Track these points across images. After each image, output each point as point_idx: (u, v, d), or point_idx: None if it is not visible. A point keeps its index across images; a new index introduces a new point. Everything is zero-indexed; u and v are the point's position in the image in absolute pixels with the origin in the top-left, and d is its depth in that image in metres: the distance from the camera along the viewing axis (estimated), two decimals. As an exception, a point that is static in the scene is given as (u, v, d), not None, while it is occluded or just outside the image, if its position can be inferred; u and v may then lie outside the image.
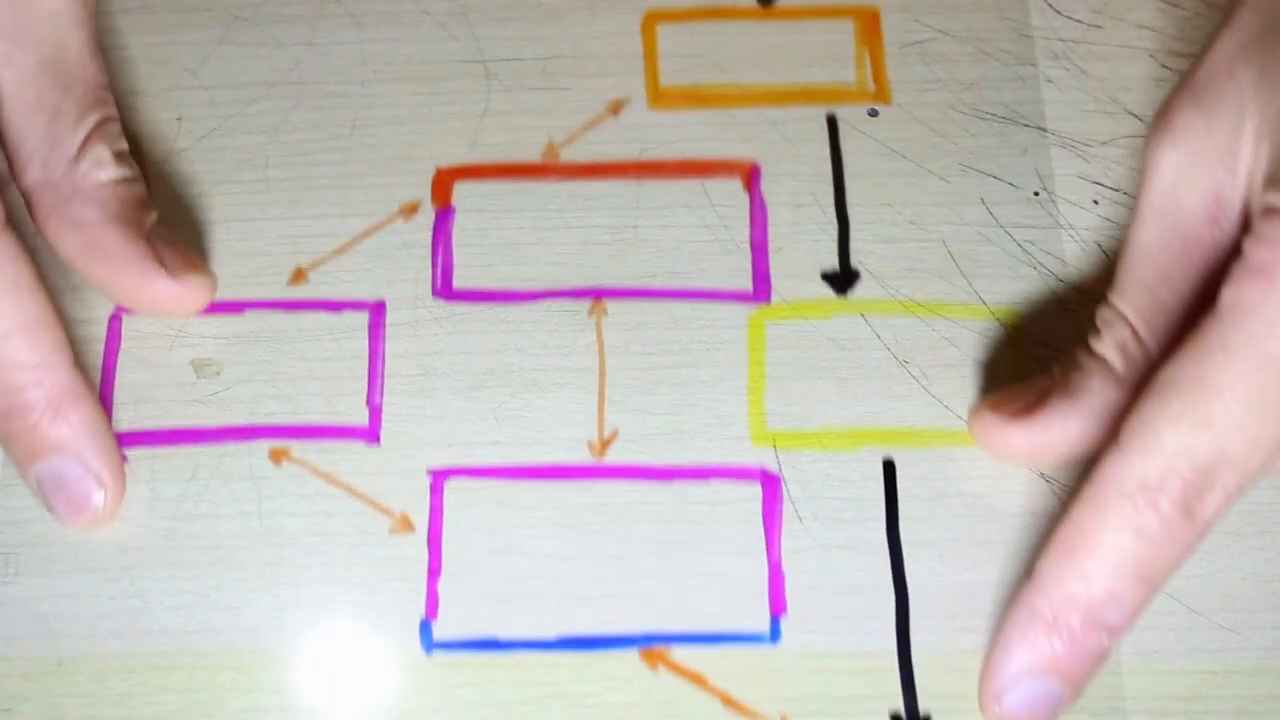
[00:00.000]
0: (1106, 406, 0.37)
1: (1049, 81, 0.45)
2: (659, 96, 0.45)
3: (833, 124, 0.45)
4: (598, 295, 0.42)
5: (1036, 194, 0.44)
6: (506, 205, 0.43)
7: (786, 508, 0.40)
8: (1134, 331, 0.37)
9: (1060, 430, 0.38)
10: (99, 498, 0.39)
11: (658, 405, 0.41)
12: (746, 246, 0.43)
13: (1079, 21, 0.46)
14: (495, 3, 0.47)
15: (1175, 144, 0.37)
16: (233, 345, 0.42)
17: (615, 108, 0.45)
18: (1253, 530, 0.39)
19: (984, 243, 0.43)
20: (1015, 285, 0.42)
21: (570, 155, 0.44)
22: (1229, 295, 0.34)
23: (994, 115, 0.45)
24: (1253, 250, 0.34)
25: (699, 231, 0.43)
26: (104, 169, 0.40)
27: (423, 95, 0.45)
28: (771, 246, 0.43)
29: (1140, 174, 0.38)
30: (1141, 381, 0.36)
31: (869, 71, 0.45)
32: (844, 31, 0.46)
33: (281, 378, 0.41)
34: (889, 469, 0.40)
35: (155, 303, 0.40)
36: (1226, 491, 0.34)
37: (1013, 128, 0.45)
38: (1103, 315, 0.38)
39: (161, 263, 0.40)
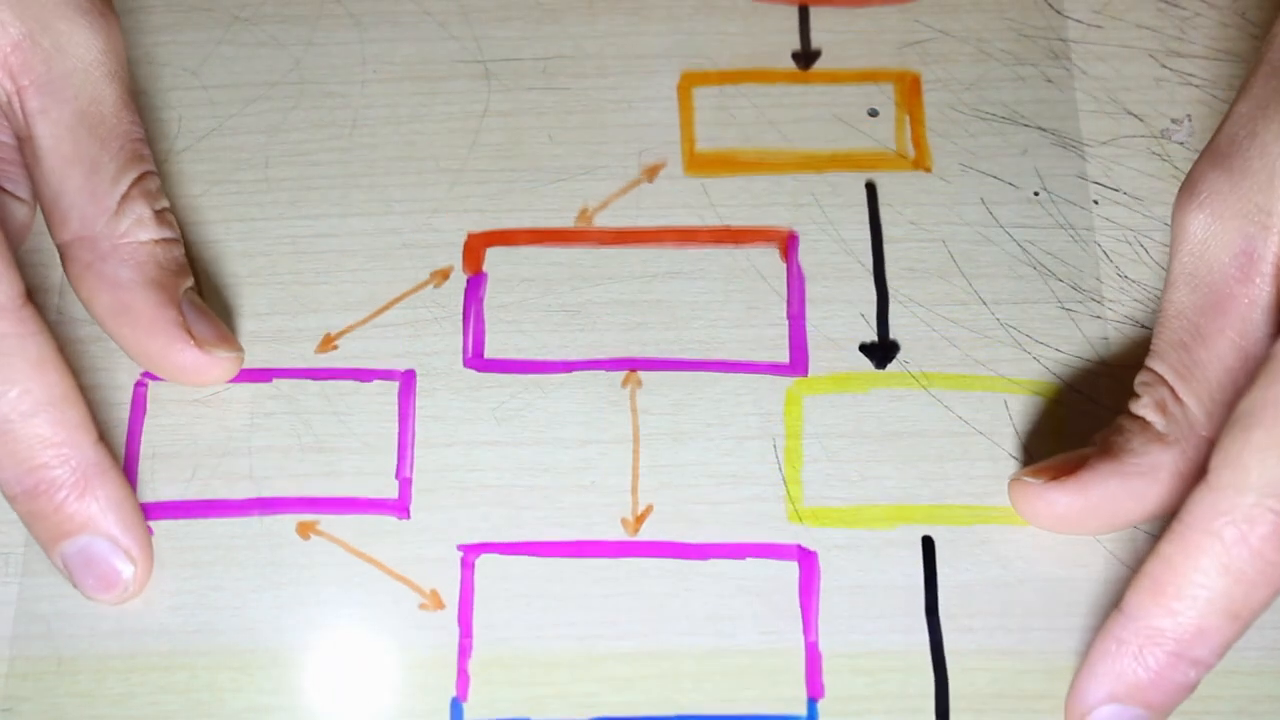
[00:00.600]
0: (1150, 466, 0.37)
1: (1049, 81, 0.45)
2: (695, 161, 0.44)
3: (872, 191, 0.44)
4: (632, 366, 0.41)
5: (1036, 194, 0.44)
6: (539, 272, 0.43)
7: (824, 586, 0.39)
8: (1172, 391, 0.37)
9: (1103, 491, 0.37)
10: (128, 573, 0.38)
11: (693, 481, 0.40)
12: (784, 317, 0.42)
13: (1079, 21, 0.46)
14: (495, 3, 0.47)
15: (1201, 206, 0.37)
16: (260, 415, 0.41)
17: (651, 173, 0.44)
18: (1253, 530, 0.39)
19: (984, 243, 0.43)
20: (1015, 285, 0.42)
21: (604, 221, 0.43)
22: None
23: (994, 115, 0.45)
24: None
25: (735, 301, 0.42)
26: (144, 228, 0.39)
27: (423, 95, 0.45)
28: (809, 317, 0.42)
29: (1170, 242, 0.38)
30: (1184, 440, 0.37)
31: (909, 136, 0.44)
32: (884, 95, 0.45)
33: (310, 449, 0.40)
34: (928, 547, 0.39)
35: (181, 372, 0.40)
36: None
37: (1013, 128, 0.45)
38: (1141, 379, 0.38)
39: (191, 333, 0.39)
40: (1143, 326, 0.42)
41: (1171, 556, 0.34)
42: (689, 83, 0.45)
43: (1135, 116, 0.45)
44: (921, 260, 0.43)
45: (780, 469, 0.40)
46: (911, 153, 0.44)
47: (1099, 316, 0.42)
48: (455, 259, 0.43)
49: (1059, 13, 0.46)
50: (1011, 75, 0.45)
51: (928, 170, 0.44)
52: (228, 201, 0.44)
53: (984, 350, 0.42)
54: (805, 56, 0.46)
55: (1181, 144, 0.44)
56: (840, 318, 0.42)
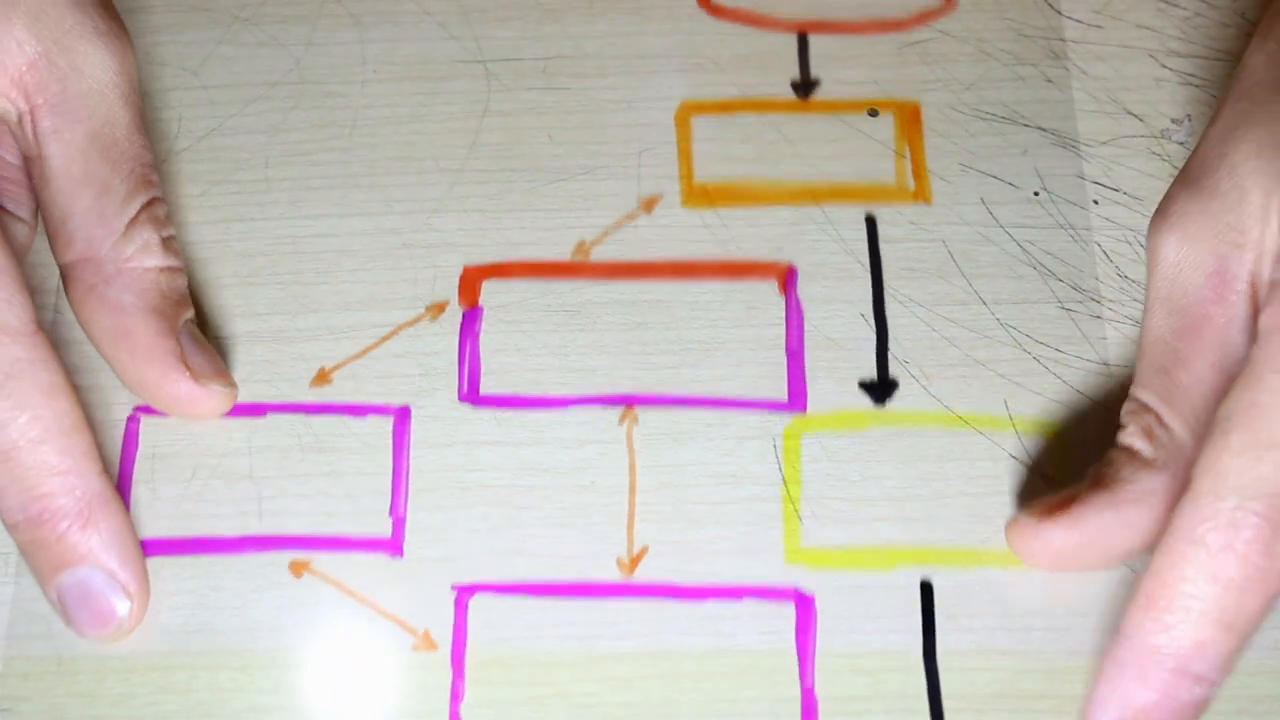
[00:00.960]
0: (1141, 493, 0.37)
1: (1049, 81, 0.45)
2: (693, 193, 0.44)
3: (871, 224, 0.43)
4: (629, 402, 0.41)
5: (1036, 194, 0.44)
6: (536, 305, 0.42)
7: (821, 629, 0.38)
8: (1157, 416, 0.37)
9: (1097, 522, 0.37)
10: (124, 609, 0.37)
11: (689, 520, 0.39)
12: (782, 352, 0.41)
13: (1079, 21, 0.46)
14: (495, 3, 0.47)
15: (1173, 228, 0.37)
16: (253, 450, 0.40)
17: (648, 204, 0.43)
18: (1253, 530, 0.39)
19: (984, 243, 0.43)
20: (1015, 285, 0.42)
21: (602, 254, 0.43)
22: (1267, 319, 0.34)
23: (994, 115, 0.45)
24: None
25: (734, 336, 0.42)
26: (150, 254, 0.39)
27: (423, 95, 0.45)
28: (808, 352, 0.41)
29: (1146, 267, 0.38)
30: (1173, 464, 0.36)
31: (909, 168, 0.44)
32: (884, 125, 0.45)
33: (303, 485, 0.40)
34: (926, 590, 0.39)
35: (174, 403, 0.40)
36: None
37: (1012, 128, 0.45)
38: (1127, 408, 0.38)
39: (187, 364, 0.39)
40: (1143, 326, 0.42)
41: (1160, 570, 0.34)
42: (687, 112, 0.45)
43: (1135, 116, 0.45)
44: (921, 260, 0.43)
45: (779, 509, 0.40)
46: (912, 185, 0.44)
47: (1099, 316, 0.42)
48: (452, 292, 0.42)
49: (1059, 13, 0.46)
50: (1011, 75, 0.45)
51: (928, 203, 0.43)
52: (228, 201, 0.44)
53: (984, 350, 0.42)
54: (804, 86, 0.45)
55: (1181, 144, 0.44)
56: (838, 352, 0.41)
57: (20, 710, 0.38)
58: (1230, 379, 0.35)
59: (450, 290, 0.42)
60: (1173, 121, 0.45)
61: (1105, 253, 0.43)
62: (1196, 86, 0.45)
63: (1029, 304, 0.42)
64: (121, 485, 0.40)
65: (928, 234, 0.43)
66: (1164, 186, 0.43)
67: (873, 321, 0.42)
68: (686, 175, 0.44)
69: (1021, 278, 0.43)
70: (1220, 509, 0.34)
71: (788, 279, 0.42)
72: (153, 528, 0.39)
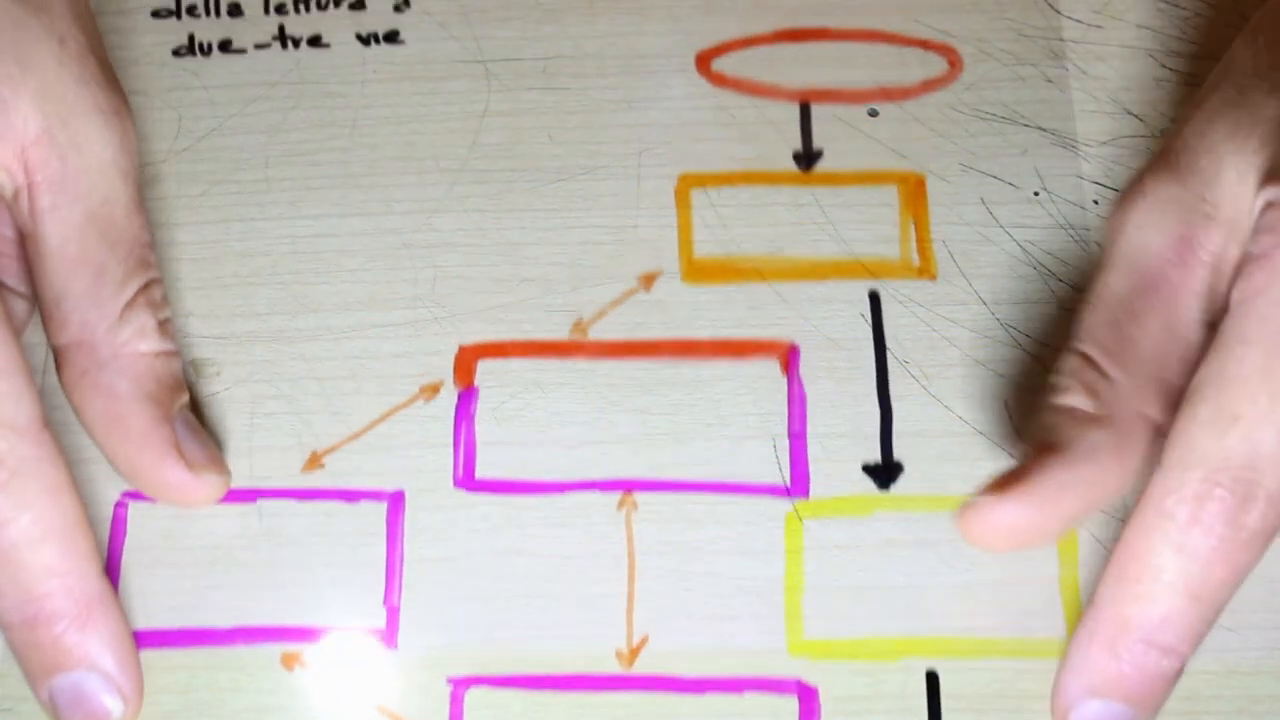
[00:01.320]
0: (1090, 448, 0.35)
1: (1049, 81, 0.45)
2: (693, 269, 0.43)
3: (875, 300, 0.42)
4: (627, 488, 0.40)
5: (1036, 194, 0.44)
6: (532, 386, 0.41)
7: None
8: (1099, 369, 0.36)
9: (1049, 486, 0.35)
10: (118, 711, 0.37)
11: (690, 610, 0.39)
12: (784, 435, 0.40)
13: (1079, 21, 0.46)
14: (495, 3, 0.47)
15: (1144, 196, 0.37)
16: (243, 538, 0.40)
17: (647, 281, 0.42)
18: (1253, 530, 0.39)
19: (984, 243, 0.43)
20: (1015, 285, 0.42)
21: (599, 332, 0.42)
22: (1238, 292, 0.34)
23: (994, 115, 0.45)
24: (1257, 242, 0.35)
25: (734, 418, 0.41)
26: (146, 339, 0.38)
27: (423, 95, 0.45)
28: (810, 435, 0.40)
29: (1105, 237, 0.38)
30: (1117, 415, 0.36)
31: (913, 242, 0.43)
32: (888, 197, 0.43)
33: (295, 574, 0.39)
34: (932, 682, 0.38)
35: (166, 490, 0.38)
36: (1270, 497, 0.33)
37: (1012, 128, 0.45)
38: (1064, 369, 0.37)
39: (181, 452, 0.38)
40: (1143, 326, 0.42)
41: (1131, 541, 0.34)
42: (687, 185, 0.44)
43: (1135, 116, 0.45)
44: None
45: (781, 598, 0.39)
46: (916, 261, 0.43)
47: (1099, 316, 0.42)
48: (447, 372, 0.41)
49: (1058, 13, 0.46)
50: (1011, 75, 0.45)
51: (933, 279, 0.42)
52: (228, 201, 0.44)
53: (984, 350, 0.42)
54: (807, 157, 0.44)
55: (1181, 144, 0.44)
56: (841, 435, 0.41)
57: (20, 710, 0.38)
58: (1178, 342, 0.36)
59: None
60: (1172, 121, 0.45)
61: (1105, 253, 0.43)
62: (1196, 86, 0.45)
63: (1029, 304, 0.42)
64: (111, 573, 0.39)
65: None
66: (1164, 186, 0.43)
67: (877, 402, 0.41)
68: (686, 251, 0.43)
69: (1021, 278, 0.43)
70: (1187, 480, 0.34)
71: (790, 358, 0.41)
72: (143, 619, 0.39)
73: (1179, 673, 0.35)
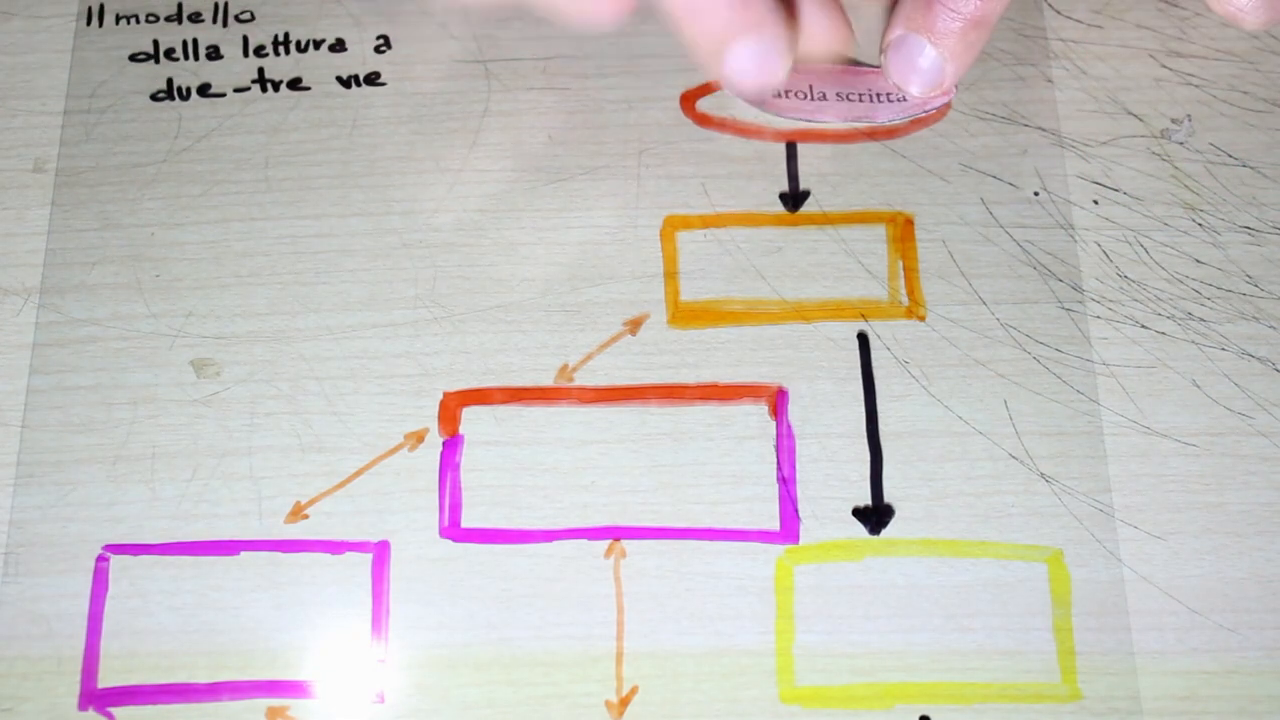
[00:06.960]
0: None
1: (1049, 81, 0.45)
2: (680, 313, 0.42)
3: (864, 342, 0.42)
4: (616, 535, 0.40)
5: (1036, 194, 0.44)
6: (517, 433, 0.41)
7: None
8: None
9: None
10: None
11: (679, 658, 0.38)
12: (773, 480, 0.40)
13: (1079, 21, 0.46)
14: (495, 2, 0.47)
15: None
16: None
17: (634, 325, 0.42)
18: (1253, 530, 0.39)
19: (984, 243, 0.43)
20: (1015, 285, 0.43)
21: (585, 378, 0.41)
22: None
23: (994, 115, 0.45)
24: None
25: (723, 463, 0.40)
26: None
27: (423, 95, 0.45)
28: (800, 479, 0.40)
29: None
30: None
31: (902, 283, 0.42)
32: (876, 238, 0.43)
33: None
34: None
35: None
36: None
37: (1013, 128, 0.45)
38: None
39: None
40: (1142, 326, 0.42)
41: None
42: (672, 227, 0.43)
43: (1135, 116, 0.45)
44: (921, 260, 0.43)
45: (772, 645, 0.39)
46: (905, 301, 0.42)
47: (1099, 316, 0.42)
48: (431, 419, 0.41)
49: (1059, 13, 0.46)
50: (1011, 75, 0.45)
51: (921, 319, 0.42)
52: (228, 201, 0.44)
53: (984, 350, 0.42)
54: (794, 198, 0.44)
55: (1181, 144, 0.44)
56: (831, 479, 0.40)
57: (20, 710, 0.38)
58: None
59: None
60: (1173, 121, 0.45)
61: (1105, 253, 0.43)
62: (1196, 86, 0.45)
63: (1029, 304, 0.42)
64: (91, 629, 0.39)
65: (928, 234, 0.43)
66: (1164, 186, 0.43)
67: (867, 444, 0.41)
68: (673, 295, 0.42)
69: (1021, 278, 0.43)
70: None
71: (778, 402, 0.41)
72: (126, 675, 0.38)
73: (982, 21, 0.40)
